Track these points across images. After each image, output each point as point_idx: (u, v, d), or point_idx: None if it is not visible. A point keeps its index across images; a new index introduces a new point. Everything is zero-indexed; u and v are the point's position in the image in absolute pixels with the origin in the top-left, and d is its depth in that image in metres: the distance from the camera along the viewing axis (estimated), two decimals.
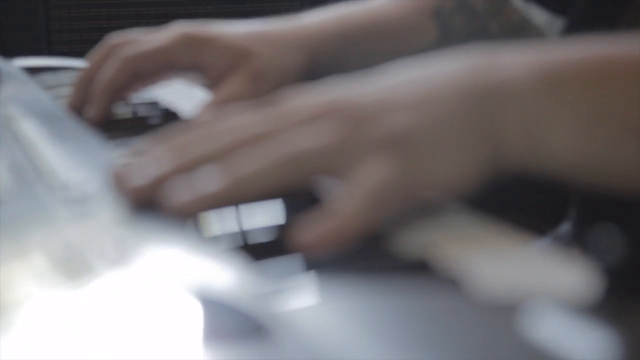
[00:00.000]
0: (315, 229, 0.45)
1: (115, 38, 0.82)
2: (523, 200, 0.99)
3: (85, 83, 0.81)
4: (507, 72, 0.52)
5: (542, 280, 0.42)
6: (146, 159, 0.52)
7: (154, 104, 0.87)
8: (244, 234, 0.48)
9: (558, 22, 0.90)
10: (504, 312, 0.37)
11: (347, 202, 0.47)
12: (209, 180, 0.48)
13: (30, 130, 0.66)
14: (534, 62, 0.53)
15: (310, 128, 0.51)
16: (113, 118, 0.79)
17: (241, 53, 0.80)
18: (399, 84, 0.53)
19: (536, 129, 0.51)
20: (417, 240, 0.47)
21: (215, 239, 0.46)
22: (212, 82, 0.81)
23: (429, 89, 0.52)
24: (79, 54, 0.90)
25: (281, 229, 0.48)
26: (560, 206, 0.85)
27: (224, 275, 0.39)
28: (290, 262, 0.44)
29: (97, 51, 0.82)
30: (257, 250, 0.46)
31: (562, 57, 0.53)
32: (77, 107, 0.81)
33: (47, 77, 0.98)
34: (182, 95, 0.92)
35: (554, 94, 0.51)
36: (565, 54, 0.53)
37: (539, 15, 0.92)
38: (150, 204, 0.48)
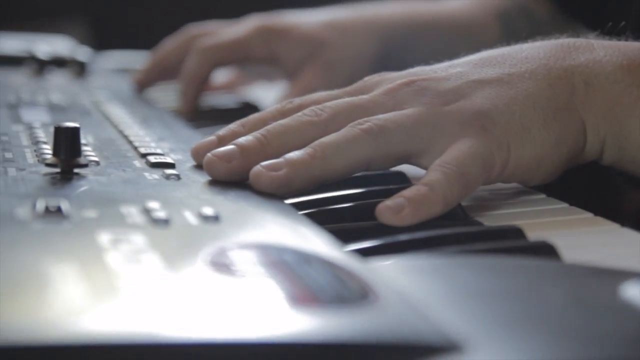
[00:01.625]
0: (399, 196, 0.46)
1: (194, 29, 0.84)
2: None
3: (157, 66, 0.84)
4: (595, 53, 0.52)
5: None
6: (227, 132, 0.53)
7: (236, 97, 0.89)
8: (332, 211, 0.48)
9: None
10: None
11: (431, 174, 0.47)
12: (290, 150, 0.49)
13: (119, 111, 0.69)
14: (623, 48, 0.53)
15: (394, 100, 0.51)
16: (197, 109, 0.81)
17: (316, 43, 0.81)
18: (484, 60, 0.53)
19: (618, 112, 0.51)
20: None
21: (299, 204, 0.47)
22: (288, 72, 0.82)
23: (515, 66, 0.52)
24: None
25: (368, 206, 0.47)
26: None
27: (308, 234, 0.40)
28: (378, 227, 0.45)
29: (175, 39, 0.84)
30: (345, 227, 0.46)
31: None
32: (143, 84, 0.84)
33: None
34: (263, 90, 0.95)
35: (636, 79, 0.51)
36: None
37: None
38: (232, 175, 0.49)
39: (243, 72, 0.95)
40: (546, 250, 0.41)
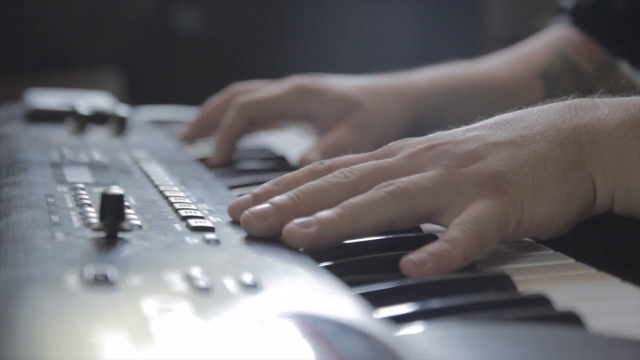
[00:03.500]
0: (421, 251, 0.49)
1: (237, 87, 0.88)
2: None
3: (202, 122, 0.89)
4: (599, 111, 0.56)
5: None
6: (262, 191, 0.57)
7: (265, 150, 0.91)
8: (358, 263, 0.51)
9: None
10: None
11: (451, 232, 0.51)
12: (320, 209, 0.53)
13: (158, 170, 0.71)
14: (624, 103, 0.56)
15: (415, 163, 0.55)
16: (231, 162, 0.83)
17: (349, 104, 0.84)
18: (498, 123, 0.57)
19: (625, 166, 0.54)
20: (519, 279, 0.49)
21: (330, 267, 0.49)
22: (321, 130, 0.85)
23: (526, 128, 0.56)
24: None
25: (392, 258, 0.50)
26: None
27: (343, 301, 0.42)
28: (404, 290, 0.47)
29: (219, 96, 0.89)
30: (369, 278, 0.49)
31: None
32: (189, 140, 0.89)
33: (171, 127, 1.04)
34: (292, 142, 0.97)
35: (638, 133, 0.54)
36: None
37: None
38: (267, 231, 0.53)
39: (280, 127, 0.99)
40: (572, 320, 0.42)
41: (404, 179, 0.54)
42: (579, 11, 0.96)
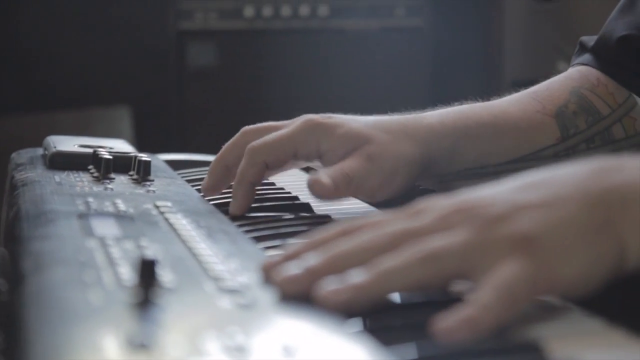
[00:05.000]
0: (453, 316, 0.50)
1: (249, 129, 0.88)
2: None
3: (218, 169, 0.88)
4: (628, 174, 0.56)
5: None
6: (295, 251, 0.58)
7: (272, 187, 0.92)
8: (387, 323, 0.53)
9: None
10: None
11: (482, 296, 0.51)
12: (356, 272, 0.54)
13: (184, 222, 0.72)
14: None
15: (445, 226, 0.56)
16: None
17: (360, 138, 0.84)
18: (526, 185, 0.58)
19: None
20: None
21: (362, 332, 0.50)
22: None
23: (555, 190, 0.56)
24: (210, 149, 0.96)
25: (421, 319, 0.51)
26: None
27: None
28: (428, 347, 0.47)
29: (231, 141, 0.89)
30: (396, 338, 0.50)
31: None
32: (209, 191, 0.88)
33: (188, 171, 1.05)
34: (299, 180, 0.98)
35: None
36: None
37: None
38: (299, 295, 0.54)
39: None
40: None
41: (434, 242, 0.55)
42: (600, 49, 0.96)
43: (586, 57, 0.99)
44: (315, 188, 0.79)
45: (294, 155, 0.85)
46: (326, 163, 0.86)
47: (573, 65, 1.00)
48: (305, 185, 0.80)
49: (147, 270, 0.49)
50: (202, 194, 0.89)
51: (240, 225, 0.77)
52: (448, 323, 0.49)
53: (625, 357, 0.48)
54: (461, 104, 0.94)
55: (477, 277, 0.53)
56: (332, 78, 2.72)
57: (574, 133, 0.94)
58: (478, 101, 0.95)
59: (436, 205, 0.59)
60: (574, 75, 0.97)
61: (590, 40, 1.00)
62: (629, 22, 0.96)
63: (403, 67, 2.73)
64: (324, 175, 0.80)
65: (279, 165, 0.87)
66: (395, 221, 0.59)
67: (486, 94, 0.98)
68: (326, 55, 2.74)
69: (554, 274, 0.53)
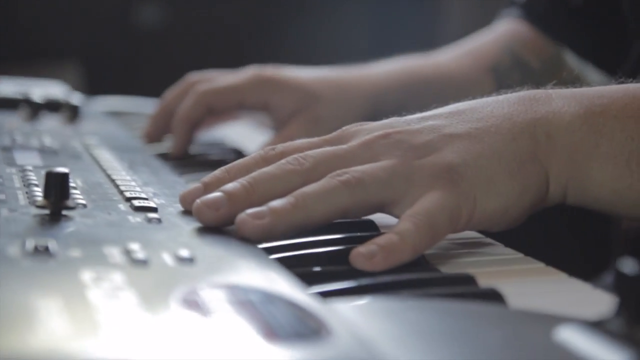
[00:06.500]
0: (371, 243, 0.50)
1: (194, 76, 0.88)
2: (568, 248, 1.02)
3: (162, 115, 0.86)
4: (554, 104, 0.57)
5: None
6: (213, 179, 0.57)
7: (221, 144, 0.92)
8: (307, 256, 0.51)
9: (612, 82, 0.94)
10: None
11: (401, 224, 0.51)
12: (274, 197, 0.52)
13: (108, 156, 0.72)
14: (578, 95, 0.57)
15: (370, 152, 0.55)
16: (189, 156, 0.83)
17: (308, 97, 0.84)
18: (454, 114, 0.57)
19: (579, 158, 0.55)
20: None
21: (276, 248, 0.51)
22: (278, 122, 0.85)
23: (482, 121, 0.56)
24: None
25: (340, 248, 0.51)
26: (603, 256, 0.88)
27: (275, 277, 0.44)
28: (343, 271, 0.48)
29: (176, 87, 0.88)
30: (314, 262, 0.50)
31: (607, 93, 0.57)
32: (152, 137, 0.87)
33: (126, 117, 1.05)
34: (248, 136, 0.98)
35: (595, 125, 0.55)
36: (609, 90, 0.57)
37: (594, 75, 0.96)
38: (219, 221, 0.52)
39: (237, 117, 0.99)
40: (494, 297, 0.44)
41: (358, 168, 0.53)
42: (531, 5, 0.98)
43: (517, 10, 1.00)
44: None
45: (240, 104, 0.85)
46: (273, 116, 0.86)
47: (505, 18, 1.02)
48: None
49: (56, 183, 0.50)
50: (144, 139, 0.87)
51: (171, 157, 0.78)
52: (365, 249, 0.49)
53: (539, 287, 0.49)
54: (404, 59, 0.95)
55: (399, 205, 0.53)
56: (280, 33, 2.71)
57: (509, 87, 0.95)
58: (419, 55, 0.97)
59: (361, 130, 0.58)
60: (507, 30, 0.99)
61: None
62: None
63: (346, 24, 2.74)
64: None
65: (222, 111, 0.87)
66: (318, 145, 0.58)
67: (427, 46, 1.00)
68: (279, 15, 2.73)
69: (475, 205, 0.53)
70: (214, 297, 0.39)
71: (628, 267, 0.37)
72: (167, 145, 0.84)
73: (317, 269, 0.49)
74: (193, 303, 0.38)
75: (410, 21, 2.69)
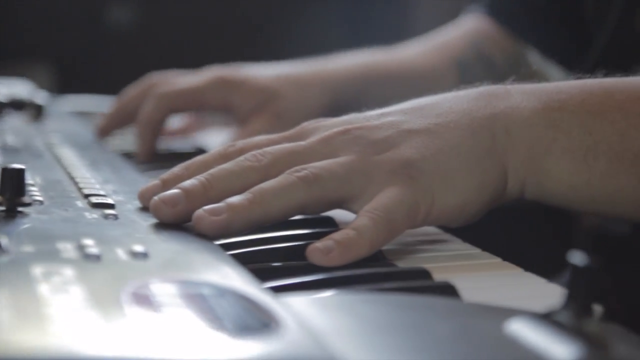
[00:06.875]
0: (328, 239, 0.50)
1: (154, 77, 0.88)
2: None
3: (118, 113, 0.87)
4: (512, 99, 0.57)
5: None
6: (171, 176, 0.57)
7: (189, 143, 0.92)
8: (265, 251, 0.52)
9: (572, 78, 0.95)
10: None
11: (359, 219, 0.51)
12: (232, 194, 0.52)
13: (69, 154, 0.72)
14: (537, 91, 0.57)
15: (329, 148, 0.55)
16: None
17: (268, 94, 0.85)
18: (414, 109, 0.57)
19: (537, 153, 0.55)
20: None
21: (234, 244, 0.51)
22: (240, 121, 0.85)
23: (441, 116, 0.56)
24: None
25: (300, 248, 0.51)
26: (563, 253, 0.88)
27: (232, 273, 0.44)
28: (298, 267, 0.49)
29: (135, 86, 0.88)
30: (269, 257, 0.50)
31: (565, 89, 0.57)
32: (104, 132, 0.87)
33: (92, 117, 1.04)
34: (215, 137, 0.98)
35: (552, 120, 0.55)
36: (568, 86, 0.58)
37: (555, 72, 0.97)
38: (177, 218, 0.52)
39: (199, 118, 0.99)
40: (448, 291, 0.45)
41: (316, 164, 0.53)
42: (496, 2, 0.99)
43: (482, 7, 1.01)
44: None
45: (201, 105, 0.85)
46: (235, 116, 0.86)
47: (469, 15, 1.02)
48: None
49: (12, 179, 0.50)
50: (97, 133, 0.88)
51: (137, 159, 0.78)
52: (322, 245, 0.49)
53: (493, 281, 0.49)
54: (367, 52, 0.95)
55: (357, 201, 0.53)
56: (249, 32, 2.71)
57: (473, 82, 0.96)
58: (382, 49, 0.97)
59: (320, 126, 0.58)
60: (472, 26, 1.00)
61: None
62: None
63: (317, 21, 2.74)
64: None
65: (184, 112, 0.87)
66: (278, 141, 0.58)
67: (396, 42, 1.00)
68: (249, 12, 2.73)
69: (433, 200, 0.53)
70: (163, 291, 0.39)
71: (577, 259, 0.37)
72: (130, 143, 0.84)
73: (274, 264, 0.49)
74: (142, 297, 0.38)
75: (382, 16, 2.69)
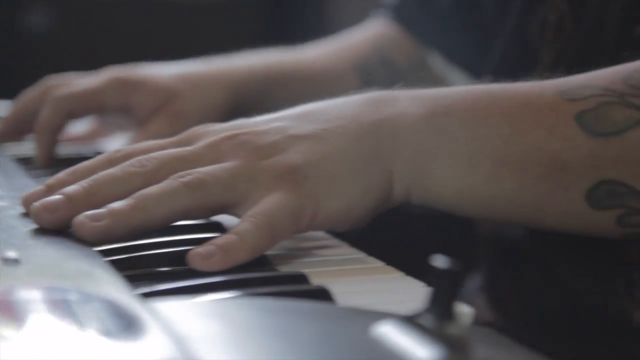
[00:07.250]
0: (209, 244, 0.50)
1: (51, 80, 0.86)
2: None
3: (15, 118, 0.85)
4: (399, 105, 0.57)
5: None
6: (56, 181, 0.56)
7: (91, 148, 0.91)
8: (144, 257, 0.52)
9: (475, 83, 0.97)
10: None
11: (241, 225, 0.51)
12: (115, 199, 0.52)
13: None
14: (424, 96, 0.58)
15: (215, 153, 0.55)
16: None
17: (166, 94, 0.83)
18: (301, 115, 0.58)
19: (422, 158, 0.56)
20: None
21: (114, 250, 0.51)
22: (139, 122, 0.84)
23: (328, 119, 0.57)
24: None
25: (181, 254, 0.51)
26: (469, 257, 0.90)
27: (103, 279, 0.43)
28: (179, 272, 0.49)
29: (32, 90, 0.86)
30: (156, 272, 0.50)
31: (452, 94, 0.58)
32: (3, 138, 0.85)
33: None
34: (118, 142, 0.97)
35: (438, 125, 0.56)
36: (455, 91, 0.59)
37: (458, 76, 0.98)
38: (58, 224, 0.52)
39: (101, 123, 0.98)
40: (322, 295, 0.45)
41: (200, 169, 0.53)
42: (401, 7, 1.00)
43: (388, 11, 1.02)
44: None
45: (100, 107, 0.84)
46: (134, 117, 0.85)
47: (375, 19, 1.03)
48: None
49: None
50: None
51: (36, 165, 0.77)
52: (203, 250, 0.49)
53: (370, 285, 0.50)
54: (269, 52, 0.95)
55: (242, 207, 0.53)
56: (164, 37, 2.69)
57: (373, 85, 0.97)
58: (284, 49, 0.97)
59: (208, 131, 0.58)
60: (376, 30, 1.00)
61: None
62: None
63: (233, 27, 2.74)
64: None
65: (83, 115, 0.86)
66: (165, 146, 0.57)
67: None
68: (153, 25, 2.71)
69: (318, 205, 0.53)
70: (28, 296, 0.38)
71: (439, 262, 0.38)
72: (27, 147, 0.83)
73: (155, 270, 0.49)
74: (5, 303, 0.37)
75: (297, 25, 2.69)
